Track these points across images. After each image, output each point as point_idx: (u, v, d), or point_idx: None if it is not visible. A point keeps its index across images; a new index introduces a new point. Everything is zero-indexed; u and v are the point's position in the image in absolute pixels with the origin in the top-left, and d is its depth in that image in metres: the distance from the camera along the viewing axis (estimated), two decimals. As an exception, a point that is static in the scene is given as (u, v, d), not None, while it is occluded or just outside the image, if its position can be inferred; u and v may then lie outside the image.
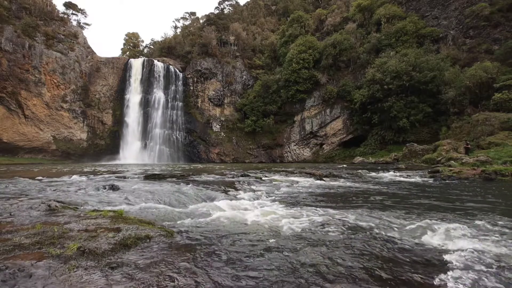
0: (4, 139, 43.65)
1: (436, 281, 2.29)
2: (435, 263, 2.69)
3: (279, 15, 73.37)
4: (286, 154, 50.51)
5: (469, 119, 27.26)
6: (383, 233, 3.62)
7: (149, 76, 53.57)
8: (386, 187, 9.43)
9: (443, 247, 3.10)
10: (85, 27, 62.35)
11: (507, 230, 3.80)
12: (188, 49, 59.20)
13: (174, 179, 10.75)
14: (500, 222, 4.30)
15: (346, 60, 46.62)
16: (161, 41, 72.78)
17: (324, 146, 47.55)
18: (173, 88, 54.84)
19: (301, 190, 8.54)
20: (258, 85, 52.64)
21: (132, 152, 50.13)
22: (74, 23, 58.34)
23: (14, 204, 4.28)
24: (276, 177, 12.34)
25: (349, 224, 4.12)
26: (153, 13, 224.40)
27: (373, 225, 4.10)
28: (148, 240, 2.93)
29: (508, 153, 16.61)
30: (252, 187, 8.81)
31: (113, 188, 7.25)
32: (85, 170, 18.63)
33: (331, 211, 5.19)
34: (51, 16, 50.18)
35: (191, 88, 55.93)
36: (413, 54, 36.03)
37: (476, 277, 2.33)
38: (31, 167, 25.55)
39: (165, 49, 64.64)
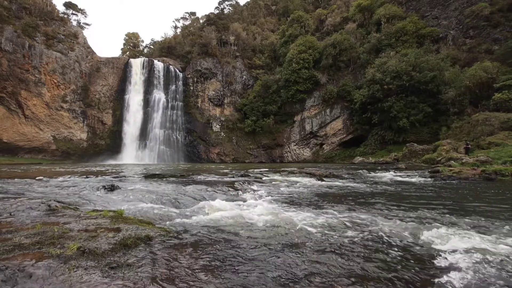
0: (4, 139, 43.66)
1: (436, 281, 2.29)
2: (434, 262, 2.69)
3: (279, 15, 73.39)
4: (286, 154, 50.51)
5: (469, 119, 27.25)
6: (383, 233, 3.63)
7: (149, 76, 53.61)
8: (386, 187, 9.43)
9: (442, 247, 3.10)
10: (85, 27, 62.44)
11: (506, 230, 3.79)
12: (188, 49, 59.23)
13: (174, 179, 10.76)
14: (499, 222, 4.30)
15: (346, 60, 46.63)
16: (161, 41, 72.86)
17: (324, 146, 47.55)
18: (173, 88, 54.86)
19: (301, 190, 8.54)
20: (258, 85, 52.67)
21: (132, 152, 50.17)
22: (74, 23, 58.43)
23: (14, 204, 4.28)
24: (276, 177, 12.33)
25: (349, 224, 4.13)
26: (153, 13, 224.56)
27: (373, 225, 4.10)
28: (148, 240, 2.93)
29: (508, 153, 16.60)
30: (252, 187, 8.80)
31: (113, 188, 7.25)
32: (85, 170, 18.63)
33: (330, 211, 5.19)
34: (51, 16, 50.17)
35: (191, 88, 55.93)
36: (413, 54, 36.03)
37: (475, 276, 2.33)
38: (31, 167, 25.56)
39: (165, 49, 64.68)
